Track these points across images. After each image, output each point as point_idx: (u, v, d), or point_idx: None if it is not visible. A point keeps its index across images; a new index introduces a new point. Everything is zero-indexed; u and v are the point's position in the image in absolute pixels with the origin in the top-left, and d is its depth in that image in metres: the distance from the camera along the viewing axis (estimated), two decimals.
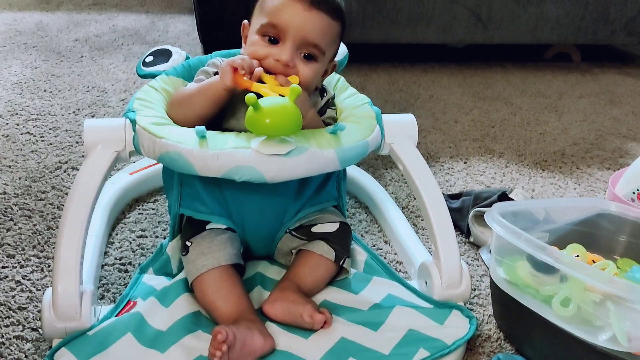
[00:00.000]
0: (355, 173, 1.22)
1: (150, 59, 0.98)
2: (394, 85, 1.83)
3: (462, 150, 1.44)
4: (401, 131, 0.91)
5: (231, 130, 0.80)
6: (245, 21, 0.90)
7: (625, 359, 0.69)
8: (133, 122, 0.81)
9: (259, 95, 0.74)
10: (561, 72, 2.07)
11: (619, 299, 0.72)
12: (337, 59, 1.02)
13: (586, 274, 0.70)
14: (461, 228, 1.10)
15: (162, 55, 0.98)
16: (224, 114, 0.85)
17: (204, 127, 0.77)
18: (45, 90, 1.57)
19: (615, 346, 0.69)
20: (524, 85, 1.91)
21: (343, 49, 1.04)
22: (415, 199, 1.20)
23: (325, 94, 0.92)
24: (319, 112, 0.90)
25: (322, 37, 0.84)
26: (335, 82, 0.99)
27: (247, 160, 0.74)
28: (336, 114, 0.92)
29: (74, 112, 1.46)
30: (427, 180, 0.89)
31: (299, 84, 0.78)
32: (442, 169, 1.34)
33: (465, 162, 1.38)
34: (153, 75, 0.94)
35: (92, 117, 1.44)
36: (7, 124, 1.37)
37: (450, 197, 1.18)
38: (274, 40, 0.83)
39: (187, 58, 0.99)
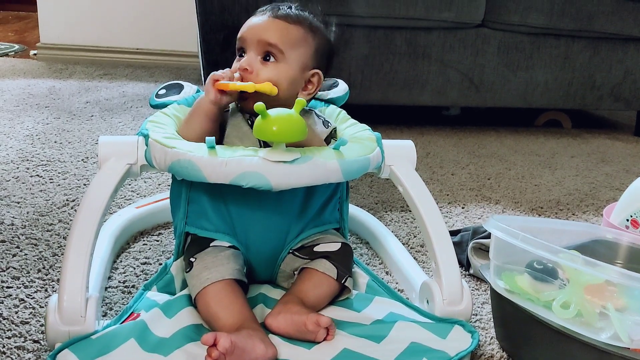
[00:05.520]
0: (356, 212, 1.25)
1: (162, 92, 1.03)
2: None
3: (459, 197, 1.47)
4: (401, 154, 0.95)
5: None
6: None
7: (627, 355, 0.69)
8: (146, 137, 0.85)
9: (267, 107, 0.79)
10: (553, 136, 2.15)
11: (617, 301, 0.73)
12: (337, 95, 1.08)
13: (582, 263, 0.72)
14: (461, 261, 1.11)
15: (174, 89, 1.03)
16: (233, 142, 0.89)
17: (213, 138, 0.81)
18: (55, 142, 1.63)
19: (617, 343, 0.69)
20: (517, 146, 1.98)
21: (344, 87, 1.10)
22: (415, 236, 1.23)
23: (329, 125, 0.97)
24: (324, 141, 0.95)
25: (279, 37, 0.89)
26: (336, 115, 1.04)
27: (254, 166, 0.78)
28: None
29: (82, 159, 1.51)
30: (427, 200, 0.93)
31: (265, 85, 0.86)
32: (441, 213, 1.36)
33: (463, 207, 1.41)
34: (164, 105, 0.99)
35: None
36: (17, 168, 1.42)
37: (450, 233, 1.19)
38: (242, 55, 0.91)
39: (198, 92, 1.05)
